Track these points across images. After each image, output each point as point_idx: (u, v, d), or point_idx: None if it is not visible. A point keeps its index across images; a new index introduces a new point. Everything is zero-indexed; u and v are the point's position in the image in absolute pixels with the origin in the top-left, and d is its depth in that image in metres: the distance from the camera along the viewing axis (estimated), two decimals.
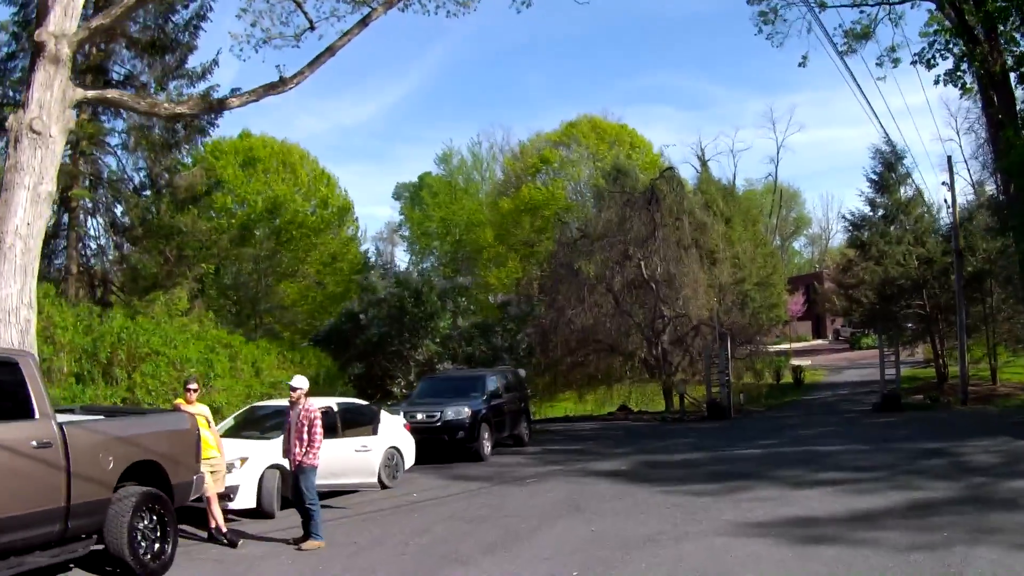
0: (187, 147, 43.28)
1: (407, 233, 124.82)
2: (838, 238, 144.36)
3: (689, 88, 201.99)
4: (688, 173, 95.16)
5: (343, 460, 23.36)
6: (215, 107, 30.33)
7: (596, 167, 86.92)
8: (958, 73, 47.02)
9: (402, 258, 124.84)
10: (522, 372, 43.72)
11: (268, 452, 21.14)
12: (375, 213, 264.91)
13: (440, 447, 31.94)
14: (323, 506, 18.72)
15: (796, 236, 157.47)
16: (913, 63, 47.93)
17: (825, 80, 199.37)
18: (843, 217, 65.99)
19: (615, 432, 43.78)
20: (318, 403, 20.37)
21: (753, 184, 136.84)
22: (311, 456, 17.98)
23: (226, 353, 32.99)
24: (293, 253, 76.56)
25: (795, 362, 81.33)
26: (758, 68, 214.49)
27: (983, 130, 52.39)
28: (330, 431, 22.08)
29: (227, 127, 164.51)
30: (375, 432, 24.89)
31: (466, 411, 32.60)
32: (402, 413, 30.55)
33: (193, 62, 41.66)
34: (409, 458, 27.71)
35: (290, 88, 25.12)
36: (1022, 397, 49.67)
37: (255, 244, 67.93)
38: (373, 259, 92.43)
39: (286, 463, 18.77)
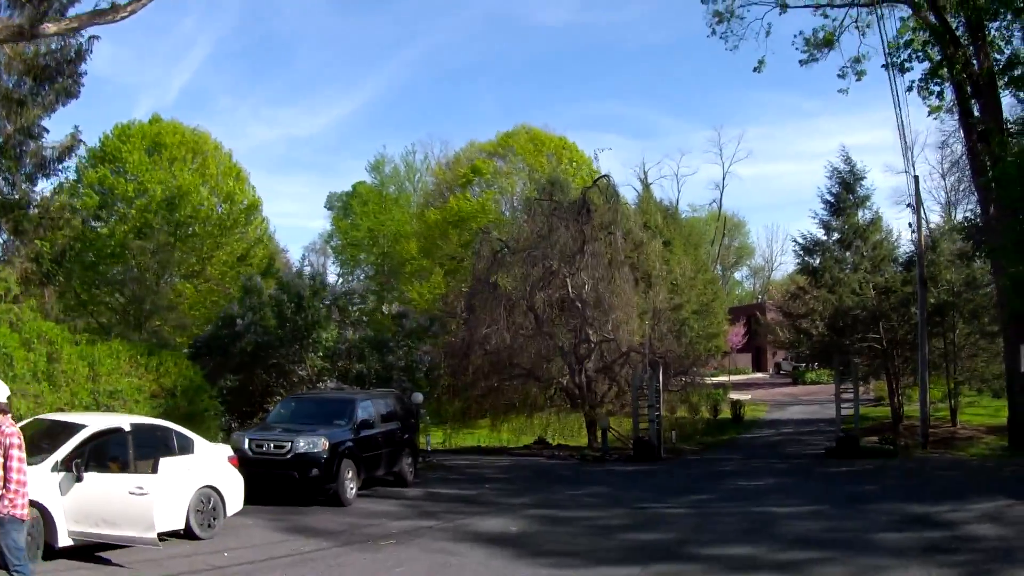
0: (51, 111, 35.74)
1: (338, 244, 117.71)
2: (782, 270, 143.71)
3: (637, 117, 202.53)
4: (629, 196, 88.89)
5: (112, 504, 17.22)
6: (26, 33, 25.00)
7: (531, 180, 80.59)
8: (936, 79, 44.08)
9: (333, 271, 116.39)
10: (419, 396, 37.73)
11: None
12: (316, 226, 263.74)
13: (292, 486, 25.50)
14: (96, 559, 15.56)
15: (738, 266, 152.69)
16: (884, 67, 44.58)
17: (774, 114, 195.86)
18: (794, 240, 60.27)
19: (523, 472, 37.85)
20: (103, 421, 18.03)
21: (697, 210, 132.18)
22: (9, 503, 12.12)
23: (45, 351, 25.94)
24: (197, 251, 69.53)
25: (734, 396, 74.59)
26: (708, 101, 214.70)
27: (959, 144, 46.67)
28: (116, 462, 18.21)
29: (143, 110, 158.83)
30: (155, 470, 18.16)
31: (322, 443, 25.63)
32: (246, 441, 25.74)
33: None
34: (234, 501, 21.42)
35: (123, 18, 21.81)
36: (987, 441, 45.15)
37: (151, 238, 60.61)
38: (301, 267, 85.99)
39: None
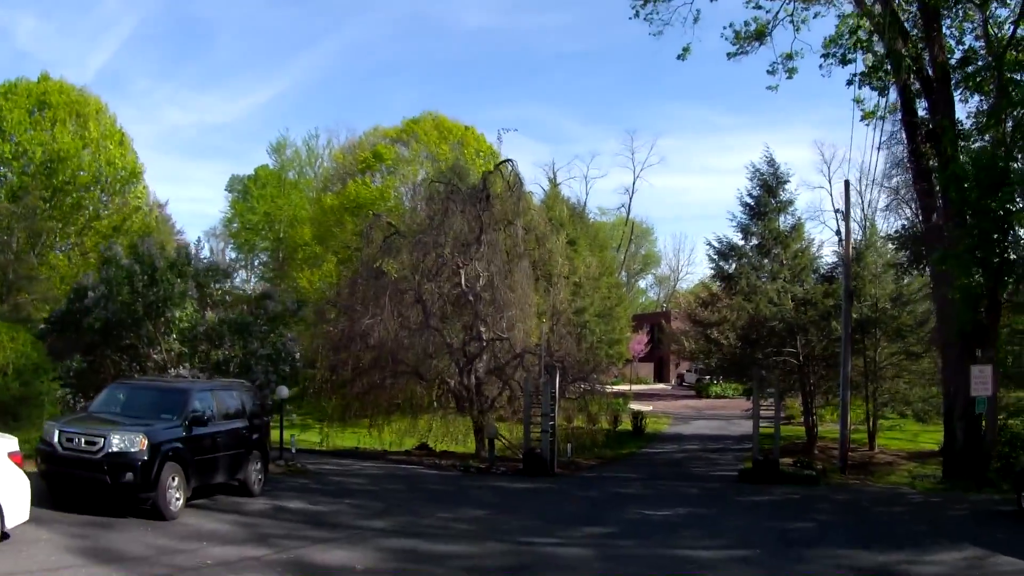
0: None
1: (237, 229, 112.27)
2: (688, 280, 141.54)
3: (550, 122, 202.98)
4: (535, 195, 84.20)
5: None
6: None
7: (434, 168, 75.58)
8: (878, 75, 42.02)
9: (232, 256, 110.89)
10: (284, 391, 33.93)
11: None
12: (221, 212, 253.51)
13: (104, 493, 20.37)
14: None
15: (644, 274, 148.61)
16: (824, 56, 42.72)
17: (687, 126, 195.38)
18: (707, 243, 55.97)
19: (395, 484, 32.96)
20: None
21: (605, 214, 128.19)
22: None
23: None
24: (74, 220, 63.81)
25: (635, 406, 70.31)
26: (622, 111, 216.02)
27: (900, 148, 42.65)
28: None
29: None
30: None
31: (140, 441, 20.39)
32: (56, 433, 20.69)
33: None
34: (14, 509, 16.34)
35: None
36: (908, 468, 42.00)
37: (21, 202, 55.05)
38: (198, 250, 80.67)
39: None
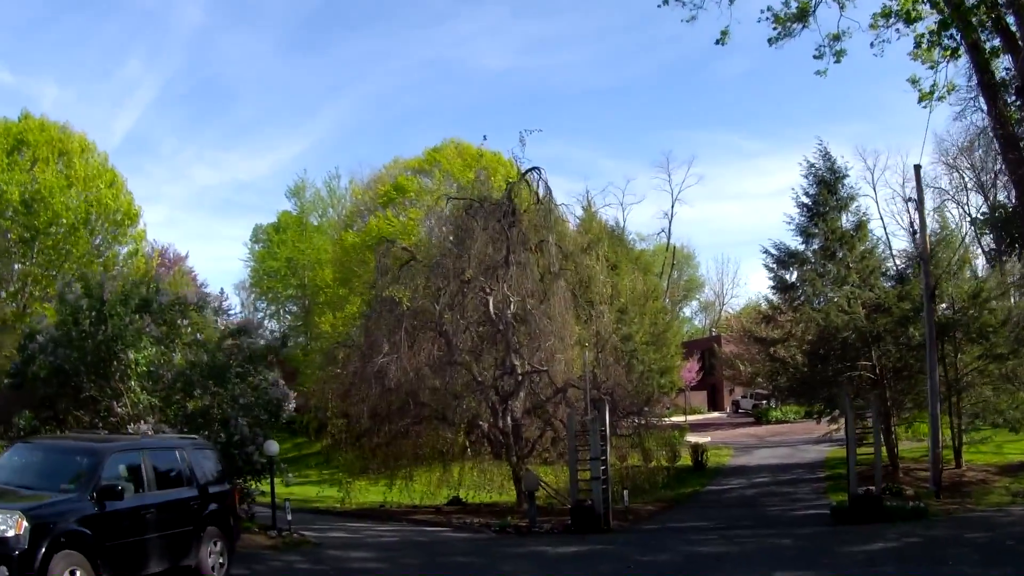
0: None
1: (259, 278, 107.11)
2: (734, 304, 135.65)
3: (579, 158, 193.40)
4: (570, 222, 78.53)
5: None
6: None
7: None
8: (947, 32, 33.25)
9: (261, 307, 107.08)
10: (273, 446, 27.88)
11: None
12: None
13: None
14: None
15: (688, 301, 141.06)
16: (885, 17, 34.15)
17: (719, 153, 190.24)
18: (764, 251, 49.08)
19: (411, 558, 26.18)
20: None
21: (645, 239, 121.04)
22: None
23: None
24: (57, 264, 58.48)
25: (692, 438, 63.42)
26: (650, 142, 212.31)
27: (979, 115, 36.54)
28: None
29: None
30: None
31: (17, 523, 14.40)
32: None
33: None
34: None
35: None
36: (1003, 484, 37.20)
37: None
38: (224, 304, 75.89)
39: None
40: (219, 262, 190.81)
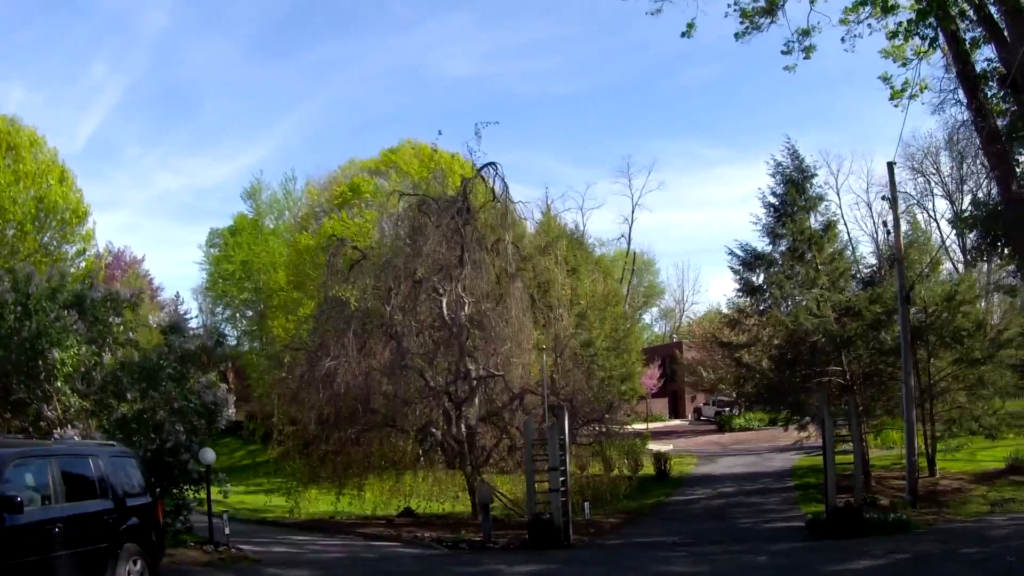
0: None
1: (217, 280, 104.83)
2: (695, 311, 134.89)
3: (540, 166, 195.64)
4: (528, 226, 76.64)
5: None
6: None
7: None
8: (924, 23, 31.72)
9: (218, 312, 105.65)
10: (209, 455, 25.58)
11: None
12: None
13: None
14: None
15: (648, 307, 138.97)
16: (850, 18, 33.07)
17: (679, 161, 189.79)
18: (728, 252, 47.04)
19: None
20: None
21: (605, 245, 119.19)
22: None
23: None
24: (8, 264, 56.08)
25: (654, 447, 61.22)
26: (612, 150, 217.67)
27: (958, 109, 34.91)
28: None
29: None
30: None
31: None
32: None
33: None
34: None
35: None
36: (979, 493, 36.57)
37: None
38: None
39: None
40: (180, 267, 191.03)
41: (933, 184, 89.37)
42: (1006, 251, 34.06)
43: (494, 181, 39.52)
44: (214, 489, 27.72)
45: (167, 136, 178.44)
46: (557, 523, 28.25)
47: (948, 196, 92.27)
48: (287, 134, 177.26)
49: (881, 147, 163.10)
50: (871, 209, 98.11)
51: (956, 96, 34.82)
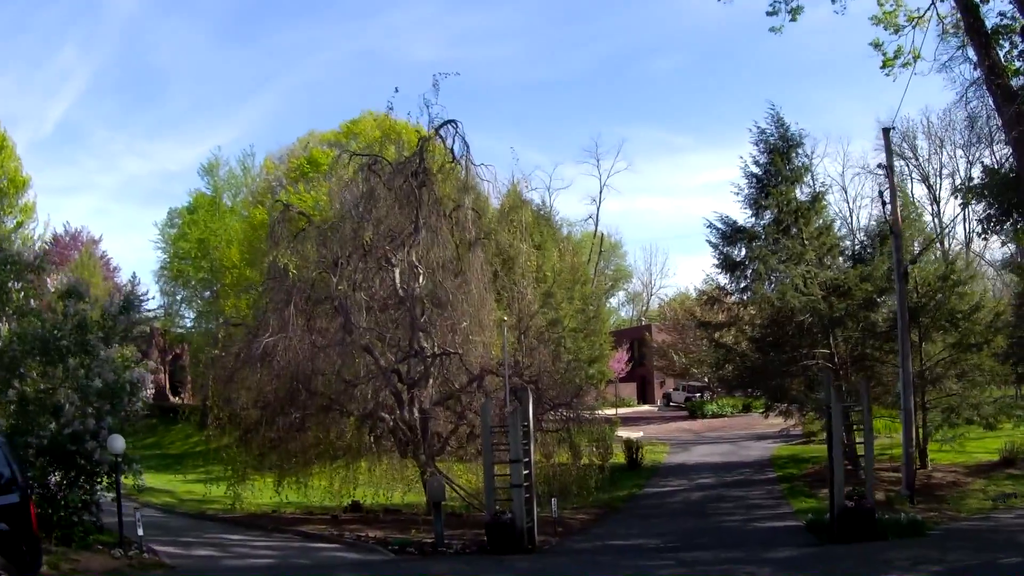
0: None
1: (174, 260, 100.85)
2: (663, 294, 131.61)
3: (506, 152, 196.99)
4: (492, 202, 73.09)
5: None
6: None
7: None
8: None
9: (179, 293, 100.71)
10: (118, 442, 21.58)
11: None
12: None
13: None
14: None
15: (615, 290, 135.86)
16: None
17: (647, 148, 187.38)
18: (708, 225, 43.44)
19: None
20: None
21: (573, 226, 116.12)
22: None
23: None
24: None
25: (624, 433, 57.50)
26: (581, 135, 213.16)
27: (967, 68, 31.65)
28: None
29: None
30: None
31: None
32: None
33: None
34: None
35: None
36: (978, 486, 34.41)
37: None
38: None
39: None
40: (146, 252, 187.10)
41: (911, 167, 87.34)
42: (1021, 223, 30.31)
43: (453, 141, 35.33)
44: (129, 481, 23.68)
45: (135, 121, 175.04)
46: (520, 524, 24.18)
47: (924, 180, 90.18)
48: (253, 119, 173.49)
49: (858, 133, 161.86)
50: (846, 192, 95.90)
51: (965, 54, 31.59)
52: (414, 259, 32.60)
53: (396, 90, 51.24)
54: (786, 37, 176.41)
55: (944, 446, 40.84)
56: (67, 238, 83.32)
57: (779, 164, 41.52)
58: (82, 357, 22.87)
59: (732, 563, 21.48)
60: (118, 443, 21.34)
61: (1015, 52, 28.61)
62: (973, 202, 32.39)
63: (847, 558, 20.73)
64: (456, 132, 35.31)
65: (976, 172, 38.98)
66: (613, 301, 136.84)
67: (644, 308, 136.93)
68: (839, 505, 24.00)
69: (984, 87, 30.01)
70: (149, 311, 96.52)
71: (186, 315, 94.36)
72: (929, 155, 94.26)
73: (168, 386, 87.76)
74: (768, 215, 42.46)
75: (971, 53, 30.75)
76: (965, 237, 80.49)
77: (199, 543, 26.24)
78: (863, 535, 23.00)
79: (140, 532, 22.33)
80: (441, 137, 35.76)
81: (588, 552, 25.52)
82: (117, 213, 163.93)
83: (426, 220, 33.09)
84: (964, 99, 33.38)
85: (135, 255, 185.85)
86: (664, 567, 21.32)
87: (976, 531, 24.99)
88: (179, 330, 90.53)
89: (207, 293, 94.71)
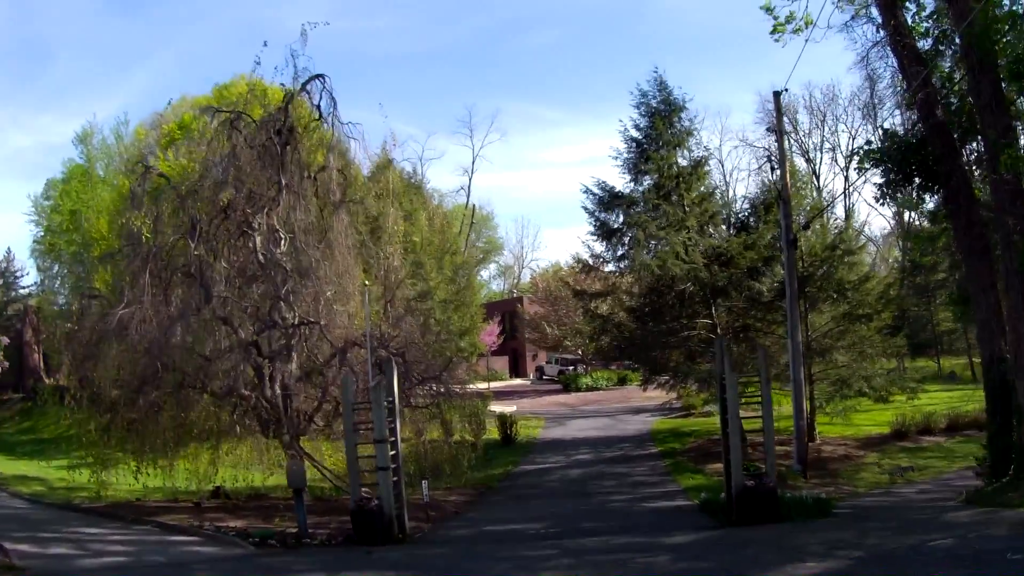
0: None
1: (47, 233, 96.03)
2: (536, 265, 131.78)
3: (381, 124, 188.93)
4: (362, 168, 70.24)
5: None
6: None
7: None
8: None
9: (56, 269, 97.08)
10: None
11: None
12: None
13: None
14: None
15: (486, 263, 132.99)
16: None
17: (519, 122, 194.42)
18: (585, 191, 41.14)
19: None
20: None
21: (444, 197, 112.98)
22: None
23: None
24: None
25: (496, 407, 54.54)
26: (455, 108, 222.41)
27: (868, 26, 29.80)
28: None
29: None
30: None
31: None
32: None
33: None
34: None
35: None
36: (872, 460, 34.67)
37: None
38: None
39: None
40: (28, 227, 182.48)
41: (791, 142, 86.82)
42: (926, 190, 28.16)
43: (320, 96, 32.12)
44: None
45: (19, 93, 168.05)
46: (388, 511, 21.35)
47: (805, 154, 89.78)
48: (137, 90, 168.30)
49: (738, 107, 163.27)
50: (723, 166, 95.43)
51: (867, 14, 29.53)
52: (275, 223, 29.50)
53: (264, 44, 47.45)
54: (668, 11, 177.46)
55: (834, 419, 39.84)
56: None
57: (661, 128, 39.68)
58: None
59: (624, 551, 18.58)
60: None
61: (923, 13, 26.98)
62: (870, 166, 30.07)
63: (752, 543, 17.98)
64: (324, 88, 32.14)
65: (860, 141, 37.04)
66: (485, 274, 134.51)
67: (516, 281, 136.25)
68: (737, 484, 21.22)
69: (888, 48, 28.45)
70: (23, 288, 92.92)
71: (61, 292, 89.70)
72: (810, 129, 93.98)
73: (44, 367, 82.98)
74: (648, 180, 40.78)
75: (875, 12, 28.90)
76: (844, 212, 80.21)
77: (57, 539, 22.99)
78: (765, 516, 20.46)
79: None
80: (308, 93, 32.59)
81: (465, 540, 22.82)
82: (1, 189, 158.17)
83: (289, 182, 30.03)
84: (865, 60, 31.53)
85: (20, 231, 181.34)
86: (548, 559, 18.27)
87: (884, 508, 23.84)
88: (56, 307, 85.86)
89: (79, 268, 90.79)
